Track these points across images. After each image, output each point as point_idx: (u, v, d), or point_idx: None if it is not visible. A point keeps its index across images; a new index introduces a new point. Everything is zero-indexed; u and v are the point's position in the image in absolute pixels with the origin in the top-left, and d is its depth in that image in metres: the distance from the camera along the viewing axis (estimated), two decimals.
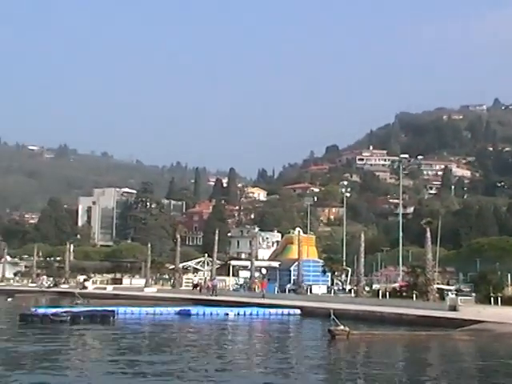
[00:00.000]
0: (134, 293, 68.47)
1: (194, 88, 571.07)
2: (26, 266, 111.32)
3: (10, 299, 64.44)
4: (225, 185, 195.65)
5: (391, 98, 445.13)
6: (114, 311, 40.57)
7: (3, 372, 19.80)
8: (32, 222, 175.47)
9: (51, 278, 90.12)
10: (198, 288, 66.79)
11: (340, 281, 68.94)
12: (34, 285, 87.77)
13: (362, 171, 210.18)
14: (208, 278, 75.45)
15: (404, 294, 49.63)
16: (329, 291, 61.90)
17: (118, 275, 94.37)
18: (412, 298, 46.41)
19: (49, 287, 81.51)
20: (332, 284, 65.86)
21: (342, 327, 29.74)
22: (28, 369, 20.83)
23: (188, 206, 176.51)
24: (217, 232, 75.80)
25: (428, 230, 47.78)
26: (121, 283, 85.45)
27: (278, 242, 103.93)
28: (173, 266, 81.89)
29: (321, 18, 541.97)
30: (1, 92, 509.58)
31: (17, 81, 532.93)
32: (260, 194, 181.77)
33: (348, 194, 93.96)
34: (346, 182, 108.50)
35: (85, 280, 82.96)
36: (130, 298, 63.09)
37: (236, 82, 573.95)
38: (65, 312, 38.76)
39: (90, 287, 79.02)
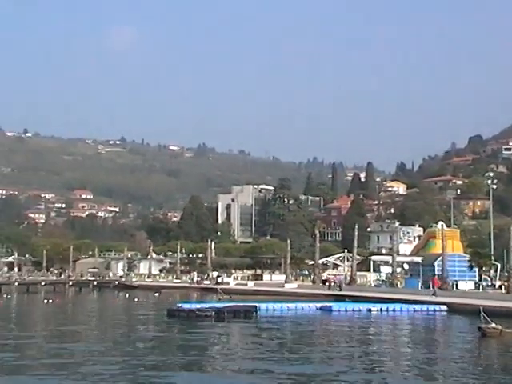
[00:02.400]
0: (274, 288, 68.76)
1: (328, 83, 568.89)
2: (170, 263, 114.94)
3: (156, 294, 66.81)
4: (362, 179, 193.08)
5: None
6: (256, 307, 40.81)
7: (154, 363, 20.29)
8: (175, 219, 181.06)
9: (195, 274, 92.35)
10: (327, 284, 66.31)
11: (488, 276, 65.85)
12: (179, 281, 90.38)
13: (510, 161, 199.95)
14: (348, 272, 74.77)
15: None
16: (477, 287, 59.32)
17: (259, 271, 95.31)
18: None
19: (197, 283, 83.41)
20: (480, 280, 63.06)
21: (493, 325, 28.16)
22: (177, 361, 21.17)
23: (326, 202, 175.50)
24: (356, 227, 74.71)
25: None
26: (261, 279, 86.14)
27: (419, 236, 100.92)
28: (312, 262, 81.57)
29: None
30: (144, 96, 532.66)
31: (159, 86, 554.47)
32: (399, 188, 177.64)
33: (494, 186, 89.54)
34: (491, 174, 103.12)
35: (218, 276, 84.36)
36: (271, 293, 63.42)
37: (372, 74, 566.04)
38: (209, 307, 39.46)
39: (232, 283, 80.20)
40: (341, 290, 60.85)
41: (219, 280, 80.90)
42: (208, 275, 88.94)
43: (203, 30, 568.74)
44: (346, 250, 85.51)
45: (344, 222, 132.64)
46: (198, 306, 41.56)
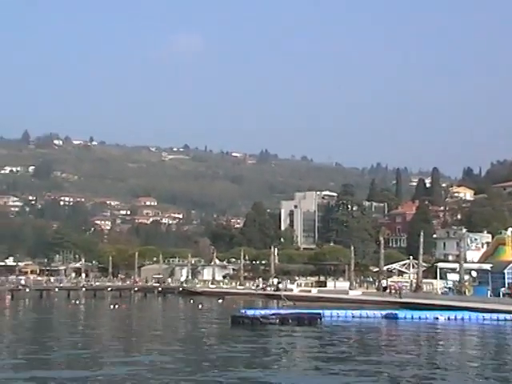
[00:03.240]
0: (338, 295, 68.05)
1: (394, 86, 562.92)
2: (233, 269, 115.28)
3: (220, 301, 66.94)
4: (428, 185, 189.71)
5: None
6: (320, 314, 40.47)
7: (218, 370, 20.31)
8: (238, 226, 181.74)
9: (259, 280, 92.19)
10: (388, 291, 65.19)
11: None
12: (242, 287, 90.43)
13: None
14: (413, 280, 73.54)
15: None
16: None
17: (322, 278, 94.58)
18: None
19: (264, 289, 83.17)
20: None
21: None
22: (240, 367, 21.13)
23: (390, 208, 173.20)
24: (421, 233, 73.37)
25: None
26: (325, 286, 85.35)
27: (487, 243, 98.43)
28: (377, 269, 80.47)
29: None
30: (206, 103, 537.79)
31: (221, 93, 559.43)
32: (466, 194, 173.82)
33: None
34: None
35: (278, 282, 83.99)
36: (335, 300, 62.79)
37: (442, 76, 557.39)
38: (273, 314, 39.28)
39: (295, 290, 79.76)
40: (401, 297, 59.86)
41: (280, 286, 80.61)
42: (271, 282, 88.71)
43: (265, 36, 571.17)
44: (411, 257, 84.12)
45: (409, 229, 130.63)
46: (262, 312, 41.43)
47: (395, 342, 30.12)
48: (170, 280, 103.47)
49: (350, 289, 74.91)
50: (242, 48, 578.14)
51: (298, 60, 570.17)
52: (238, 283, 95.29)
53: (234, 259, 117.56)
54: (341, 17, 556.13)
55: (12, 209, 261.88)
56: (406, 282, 74.94)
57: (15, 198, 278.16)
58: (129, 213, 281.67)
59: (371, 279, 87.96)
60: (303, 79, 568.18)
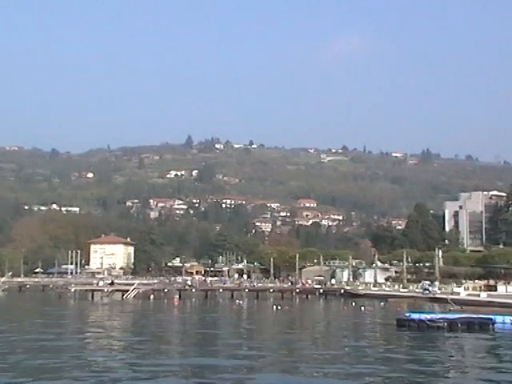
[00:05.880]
0: (510, 301, 64.21)
1: None
2: (395, 272, 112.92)
3: (382, 303, 65.58)
4: None
5: None
6: (492, 319, 38.05)
7: (375, 371, 19.43)
8: (399, 227, 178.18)
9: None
10: None
11: None
12: (406, 290, 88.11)
13: None
14: None
15: None
16: None
17: (491, 281, 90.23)
18: None
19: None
20: None
21: None
22: (411, 375, 20.10)
23: None
24: None
25: None
26: (495, 290, 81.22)
27: None
28: None
29: None
30: (361, 103, 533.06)
31: (379, 93, 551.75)
32: None
33: None
34: None
35: (429, 285, 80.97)
36: (507, 306, 59.22)
37: None
38: (441, 318, 37.58)
39: (462, 293, 76.44)
40: None
41: (430, 289, 77.80)
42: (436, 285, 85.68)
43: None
44: None
45: None
46: (429, 316, 39.67)
47: None
48: (331, 282, 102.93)
49: None
50: (402, 47, 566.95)
51: (461, 55, 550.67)
52: (401, 286, 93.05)
53: (396, 261, 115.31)
54: None
55: (177, 211, 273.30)
56: None
57: (180, 201, 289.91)
58: (289, 214, 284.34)
59: None
60: (462, 74, 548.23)
